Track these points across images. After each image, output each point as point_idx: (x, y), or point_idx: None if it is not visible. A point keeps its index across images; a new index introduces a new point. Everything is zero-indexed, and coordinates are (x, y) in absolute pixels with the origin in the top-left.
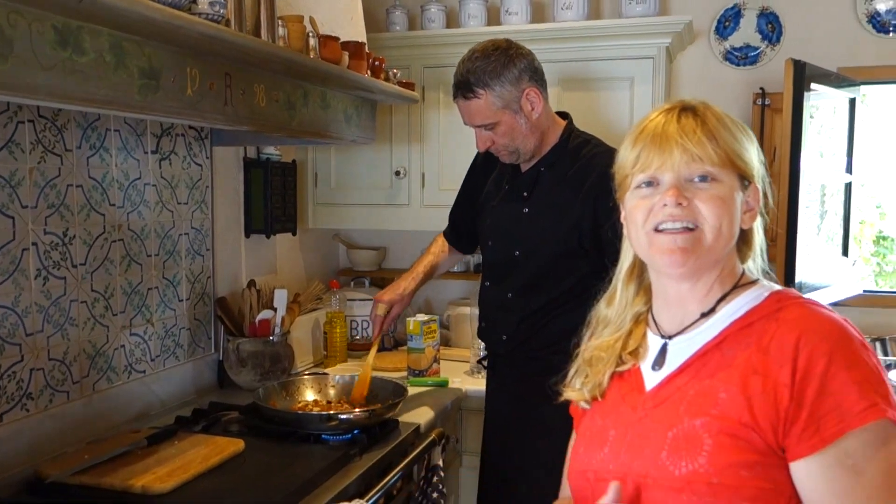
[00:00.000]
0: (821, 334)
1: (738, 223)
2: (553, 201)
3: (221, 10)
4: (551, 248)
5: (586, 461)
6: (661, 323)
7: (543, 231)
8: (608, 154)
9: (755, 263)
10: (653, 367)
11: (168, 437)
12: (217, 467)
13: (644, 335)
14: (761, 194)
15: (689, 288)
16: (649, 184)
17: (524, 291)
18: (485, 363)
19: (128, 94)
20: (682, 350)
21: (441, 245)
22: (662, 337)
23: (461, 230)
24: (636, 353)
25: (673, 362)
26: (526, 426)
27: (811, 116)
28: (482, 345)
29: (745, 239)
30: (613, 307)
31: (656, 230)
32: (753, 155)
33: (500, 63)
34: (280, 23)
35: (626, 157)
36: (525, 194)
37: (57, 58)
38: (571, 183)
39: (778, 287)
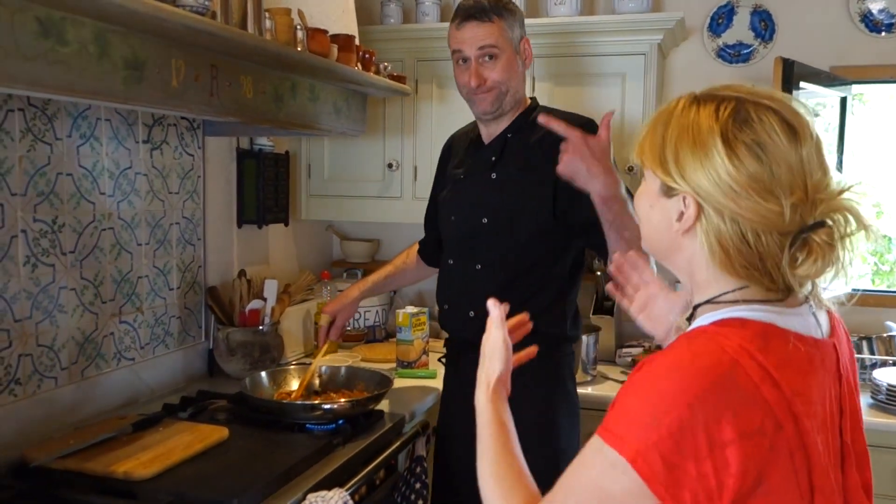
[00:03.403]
0: (654, 361)
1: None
2: (524, 164)
3: (207, 3)
4: (524, 212)
5: None
6: None
7: (514, 194)
8: (580, 118)
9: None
10: None
11: (153, 423)
12: (201, 454)
13: None
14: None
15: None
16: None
17: (494, 261)
18: (443, 360)
19: (111, 85)
20: None
21: (407, 257)
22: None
23: (435, 238)
24: None
25: None
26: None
27: (816, 115)
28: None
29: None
30: None
31: None
32: (699, 170)
33: (511, 3)
34: (267, 15)
35: None
36: (493, 159)
37: (39, 48)
38: (542, 146)
39: (727, 315)
